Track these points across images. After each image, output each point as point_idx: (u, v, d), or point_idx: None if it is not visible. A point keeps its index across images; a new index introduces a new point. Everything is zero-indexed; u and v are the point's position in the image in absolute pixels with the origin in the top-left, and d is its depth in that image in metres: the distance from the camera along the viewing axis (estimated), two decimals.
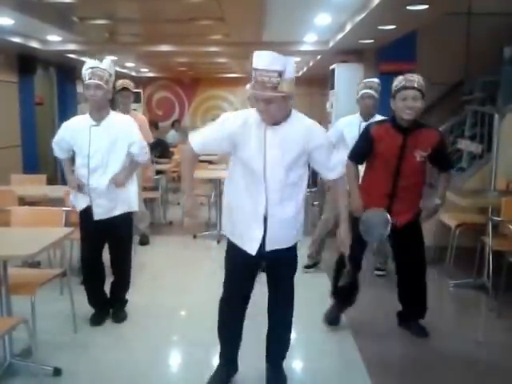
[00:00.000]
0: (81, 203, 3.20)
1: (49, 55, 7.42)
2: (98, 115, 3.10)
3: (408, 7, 4.16)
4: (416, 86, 2.72)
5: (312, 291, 3.71)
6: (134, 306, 3.41)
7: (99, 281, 3.30)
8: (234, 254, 2.40)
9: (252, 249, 2.31)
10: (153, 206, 5.89)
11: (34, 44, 6.68)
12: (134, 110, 5.58)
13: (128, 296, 3.40)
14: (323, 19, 5.32)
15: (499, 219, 3.67)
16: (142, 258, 4.50)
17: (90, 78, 3.00)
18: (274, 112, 2.16)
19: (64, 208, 3.41)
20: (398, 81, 2.81)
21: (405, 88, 2.73)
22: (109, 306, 3.33)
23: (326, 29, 5.85)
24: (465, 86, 5.92)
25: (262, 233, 2.29)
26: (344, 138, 3.86)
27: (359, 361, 2.80)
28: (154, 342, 3.04)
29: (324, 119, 8.06)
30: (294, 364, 2.78)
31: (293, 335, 2.60)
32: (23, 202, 4.05)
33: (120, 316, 3.31)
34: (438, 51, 5.91)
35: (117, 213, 3.17)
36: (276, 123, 2.23)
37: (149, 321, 3.33)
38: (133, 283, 3.42)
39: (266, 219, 2.28)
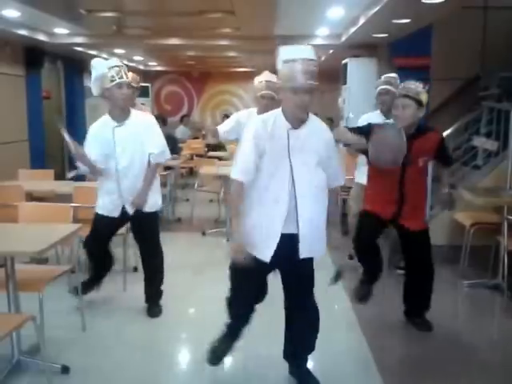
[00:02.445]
0: (113, 212, 3.18)
1: (56, 48, 7.37)
2: (122, 115, 3.07)
3: (423, 0, 4.06)
4: (407, 93, 2.76)
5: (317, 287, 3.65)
6: (143, 304, 3.37)
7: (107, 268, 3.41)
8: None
9: (266, 256, 2.25)
10: (162, 202, 5.83)
11: (41, 37, 6.62)
12: (143, 104, 5.50)
13: (136, 293, 3.36)
14: (336, 12, 5.22)
15: None
16: None
17: (121, 77, 2.95)
18: (311, 104, 2.18)
19: (72, 204, 3.38)
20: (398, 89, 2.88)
21: (397, 96, 2.82)
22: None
23: (338, 22, 5.75)
24: (480, 82, 5.81)
25: (278, 240, 2.21)
26: None
27: (370, 360, 2.75)
28: (164, 341, 3.01)
29: (337, 116, 7.96)
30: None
31: None
32: (31, 197, 4.02)
33: (155, 311, 3.32)
34: (454, 45, 5.81)
35: (147, 210, 3.19)
36: (297, 126, 2.22)
37: (158, 319, 3.29)
38: (140, 280, 3.38)
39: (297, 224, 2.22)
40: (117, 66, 2.98)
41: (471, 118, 5.35)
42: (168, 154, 3.27)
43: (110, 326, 3.19)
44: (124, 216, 3.19)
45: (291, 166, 2.19)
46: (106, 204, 3.19)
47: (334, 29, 6.23)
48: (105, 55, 8.87)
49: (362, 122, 3.91)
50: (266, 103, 3.57)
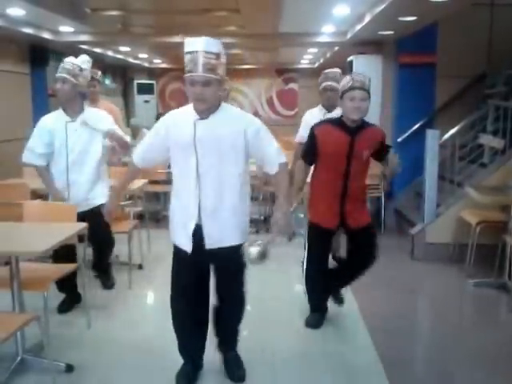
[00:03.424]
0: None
1: (61, 46, 7.37)
2: (71, 110, 3.21)
3: None
4: (363, 86, 2.75)
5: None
6: (148, 302, 3.37)
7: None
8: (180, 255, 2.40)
9: (187, 247, 2.32)
10: (165, 199, 5.85)
11: (46, 35, 6.63)
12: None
13: (141, 291, 3.35)
14: (341, 10, 5.18)
15: None
16: (156, 248, 4.49)
17: (59, 73, 3.16)
18: (210, 96, 2.16)
19: None
20: (346, 81, 2.83)
21: (352, 88, 2.75)
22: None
23: (344, 20, 5.71)
24: (487, 79, 5.74)
25: (193, 228, 2.27)
26: None
27: (376, 359, 2.74)
28: (170, 340, 2.99)
29: None
30: (309, 361, 2.72)
31: (306, 332, 2.53)
32: (36, 195, 4.02)
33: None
34: (460, 43, 5.74)
35: (96, 202, 3.24)
36: (205, 116, 2.22)
37: (164, 318, 3.28)
38: (148, 277, 3.39)
39: (200, 217, 2.26)
40: (62, 63, 3.17)
41: (478, 115, 5.30)
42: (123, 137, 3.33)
43: (114, 324, 3.19)
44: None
45: (197, 155, 2.21)
46: None
47: (339, 26, 6.19)
48: (110, 53, 8.88)
49: (306, 118, 4.02)
50: (328, 95, 3.73)
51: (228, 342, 2.60)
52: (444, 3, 4.11)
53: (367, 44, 6.53)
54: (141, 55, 10.16)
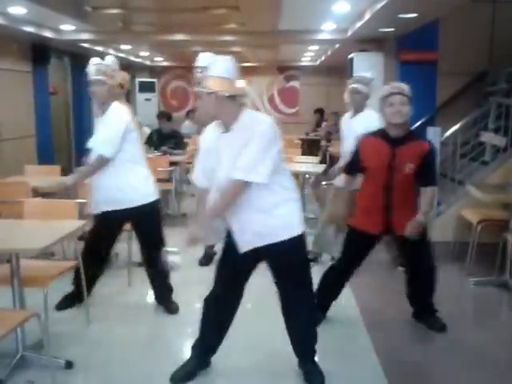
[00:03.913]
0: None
1: (62, 44, 7.40)
2: (101, 110, 3.13)
3: None
4: (402, 92, 2.74)
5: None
6: (148, 299, 3.38)
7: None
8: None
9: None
10: (167, 198, 5.85)
11: (48, 33, 6.64)
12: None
13: (140, 288, 3.34)
14: (342, 7, 5.17)
15: None
16: None
17: (93, 75, 3.05)
18: (201, 108, 2.24)
19: (78, 200, 3.38)
20: (384, 89, 2.83)
21: (392, 94, 2.75)
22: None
23: (344, 17, 5.70)
24: (489, 77, 5.73)
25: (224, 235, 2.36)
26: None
27: (375, 360, 2.73)
28: (169, 337, 3.01)
29: (342, 110, 7.89)
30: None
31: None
32: (37, 193, 4.03)
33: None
34: (462, 40, 5.74)
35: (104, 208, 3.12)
36: (227, 130, 2.25)
37: (164, 317, 3.30)
38: (145, 275, 3.39)
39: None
40: (94, 65, 3.09)
41: (479, 113, 5.29)
42: (102, 150, 3.02)
43: (114, 321, 3.19)
44: None
45: (221, 165, 2.25)
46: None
47: (339, 23, 6.18)
48: (111, 51, 8.89)
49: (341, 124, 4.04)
50: (354, 98, 3.73)
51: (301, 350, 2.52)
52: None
53: (368, 41, 6.53)
54: (142, 53, 10.17)
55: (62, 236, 2.53)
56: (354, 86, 3.74)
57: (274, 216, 2.29)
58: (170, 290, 3.36)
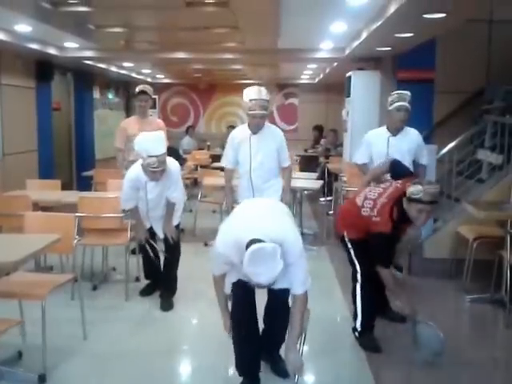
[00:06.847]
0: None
1: (66, 61, 7.51)
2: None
3: (425, 15, 4.07)
4: (434, 199, 2.80)
5: (323, 310, 3.65)
6: (145, 314, 3.38)
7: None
8: None
9: None
10: None
11: (52, 50, 6.77)
12: (151, 115, 5.63)
13: (140, 304, 3.35)
14: (339, 27, 5.27)
15: None
16: None
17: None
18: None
19: (76, 214, 3.41)
20: (416, 190, 2.82)
21: (424, 202, 2.78)
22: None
23: (342, 36, 5.80)
24: (485, 95, 5.80)
25: None
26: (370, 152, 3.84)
27: (370, 376, 2.73)
28: (165, 352, 3.00)
29: (340, 127, 7.97)
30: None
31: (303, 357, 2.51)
32: (38, 207, 4.07)
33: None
34: (458, 59, 5.81)
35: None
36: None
37: (159, 331, 3.30)
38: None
39: None
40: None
41: (475, 131, 5.34)
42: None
43: (111, 335, 3.20)
44: None
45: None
46: None
47: (337, 42, 6.28)
48: (114, 68, 9.03)
49: (370, 139, 3.91)
50: (402, 116, 3.68)
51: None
52: (439, 20, 4.18)
53: (366, 60, 6.62)
54: (144, 70, 10.31)
55: (34, 251, 2.52)
56: (403, 104, 3.63)
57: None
58: (174, 287, 3.75)
